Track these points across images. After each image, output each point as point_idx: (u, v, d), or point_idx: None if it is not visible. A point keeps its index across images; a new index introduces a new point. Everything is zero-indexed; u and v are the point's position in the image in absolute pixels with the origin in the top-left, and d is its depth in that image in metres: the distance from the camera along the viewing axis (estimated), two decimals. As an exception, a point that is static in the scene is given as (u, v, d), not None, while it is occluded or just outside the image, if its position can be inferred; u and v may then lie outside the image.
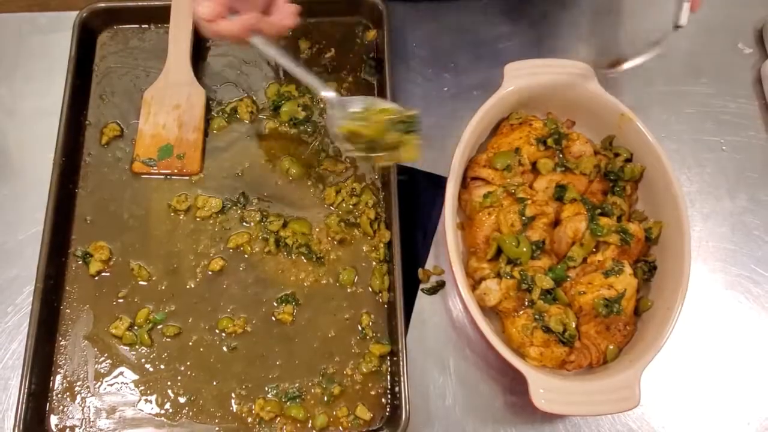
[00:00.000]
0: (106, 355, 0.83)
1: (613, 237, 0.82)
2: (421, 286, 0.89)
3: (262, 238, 0.89)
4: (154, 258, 0.88)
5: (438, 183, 0.90)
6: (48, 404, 0.81)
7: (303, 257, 0.88)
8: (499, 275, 0.81)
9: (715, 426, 0.85)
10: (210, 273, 0.87)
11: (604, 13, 1.07)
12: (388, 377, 0.83)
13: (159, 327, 0.85)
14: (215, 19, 0.70)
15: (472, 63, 1.01)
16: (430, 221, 0.92)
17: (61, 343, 0.84)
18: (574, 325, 0.80)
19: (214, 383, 0.82)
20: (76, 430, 0.80)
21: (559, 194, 0.85)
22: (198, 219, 0.90)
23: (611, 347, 0.80)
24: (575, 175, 0.86)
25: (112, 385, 0.82)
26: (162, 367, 0.83)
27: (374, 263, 0.88)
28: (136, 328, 0.84)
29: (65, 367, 0.83)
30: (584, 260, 0.83)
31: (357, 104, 0.81)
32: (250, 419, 0.81)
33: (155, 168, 0.92)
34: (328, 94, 0.81)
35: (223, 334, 0.84)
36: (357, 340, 0.85)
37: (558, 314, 0.80)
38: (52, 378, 0.82)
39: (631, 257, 0.84)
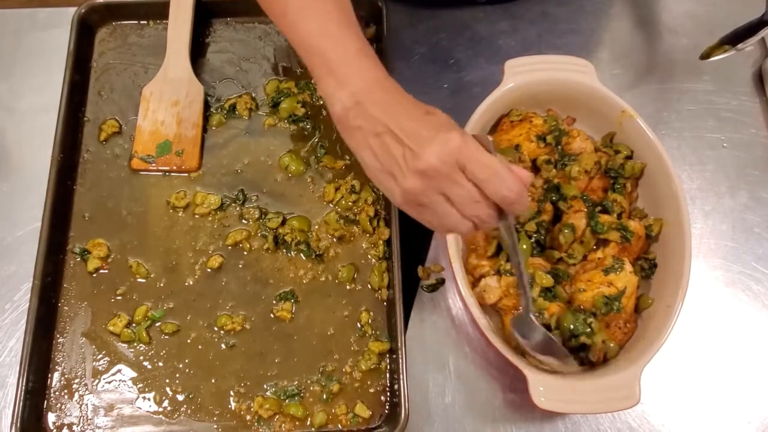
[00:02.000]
0: (104, 352, 0.83)
1: (614, 234, 0.82)
2: (421, 283, 0.89)
3: (260, 235, 0.88)
4: (153, 255, 0.87)
5: (438, 180, 0.89)
6: (45, 402, 0.81)
7: (302, 254, 0.88)
8: (499, 272, 0.81)
9: (716, 424, 0.84)
10: (209, 270, 0.87)
11: (604, 10, 1.06)
12: (388, 375, 0.83)
13: (157, 324, 0.84)
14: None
15: (472, 59, 1.01)
16: (429, 218, 0.92)
17: (59, 340, 0.83)
18: (574, 323, 0.80)
19: (213, 381, 0.82)
20: (74, 427, 0.80)
21: (552, 197, 0.84)
22: (196, 216, 0.89)
23: (611, 345, 0.80)
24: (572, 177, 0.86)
25: (110, 382, 0.82)
26: (160, 364, 0.83)
27: (373, 260, 0.87)
28: (134, 325, 0.84)
29: (63, 364, 0.82)
30: (584, 258, 0.83)
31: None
32: (248, 417, 0.81)
33: (154, 164, 0.91)
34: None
35: (222, 332, 0.84)
36: (356, 337, 0.84)
37: (558, 312, 0.79)
38: (49, 375, 0.82)
39: (632, 255, 0.83)
